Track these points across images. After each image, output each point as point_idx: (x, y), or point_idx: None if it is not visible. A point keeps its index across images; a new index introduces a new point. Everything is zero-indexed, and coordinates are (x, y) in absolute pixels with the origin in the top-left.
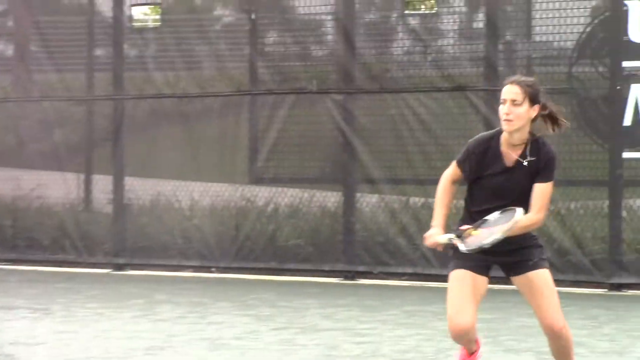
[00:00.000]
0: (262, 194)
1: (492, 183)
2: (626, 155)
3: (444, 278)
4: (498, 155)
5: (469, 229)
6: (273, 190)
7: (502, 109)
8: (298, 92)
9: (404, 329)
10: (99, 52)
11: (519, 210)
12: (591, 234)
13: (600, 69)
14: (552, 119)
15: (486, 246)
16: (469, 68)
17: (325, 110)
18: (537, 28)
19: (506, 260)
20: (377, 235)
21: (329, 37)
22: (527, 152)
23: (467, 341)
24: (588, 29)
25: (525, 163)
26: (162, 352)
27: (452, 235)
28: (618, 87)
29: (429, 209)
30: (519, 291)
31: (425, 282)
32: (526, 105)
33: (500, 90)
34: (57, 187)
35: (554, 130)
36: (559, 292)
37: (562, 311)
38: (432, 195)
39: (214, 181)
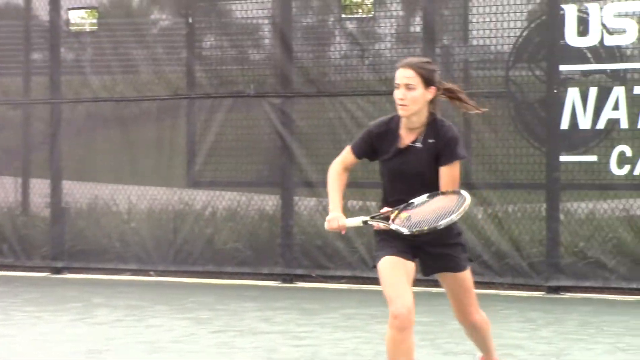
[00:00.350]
0: (199, 197)
1: (389, 167)
2: (563, 158)
3: None
4: (395, 138)
5: (390, 211)
6: (211, 193)
7: (397, 94)
8: (235, 95)
9: (343, 331)
10: (35, 55)
11: (467, 196)
12: (529, 237)
13: (537, 72)
14: (458, 99)
15: (441, 227)
16: None
17: (263, 113)
18: (474, 32)
19: (430, 253)
20: (315, 238)
21: (267, 41)
22: (423, 134)
23: (409, 323)
24: (525, 33)
25: (418, 145)
26: (100, 355)
27: (366, 218)
28: (555, 91)
29: (367, 211)
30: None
31: (364, 285)
32: (421, 88)
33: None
34: None
35: (467, 110)
36: (497, 295)
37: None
38: (370, 198)
39: (151, 185)
